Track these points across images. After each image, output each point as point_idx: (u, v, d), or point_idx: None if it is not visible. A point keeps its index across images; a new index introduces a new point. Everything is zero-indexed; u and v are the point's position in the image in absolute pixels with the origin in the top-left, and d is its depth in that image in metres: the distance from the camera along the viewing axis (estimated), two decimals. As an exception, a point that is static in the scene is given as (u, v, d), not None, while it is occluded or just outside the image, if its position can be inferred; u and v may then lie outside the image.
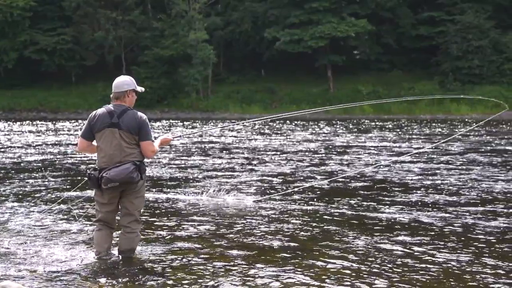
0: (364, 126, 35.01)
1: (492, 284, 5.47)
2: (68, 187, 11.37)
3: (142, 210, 6.30)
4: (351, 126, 34.75)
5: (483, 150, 18.76)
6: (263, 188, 11.02)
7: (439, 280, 5.56)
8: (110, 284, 5.48)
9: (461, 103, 52.03)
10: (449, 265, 6.03)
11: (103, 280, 5.56)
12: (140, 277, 5.68)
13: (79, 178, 12.73)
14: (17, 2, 57.40)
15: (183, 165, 15.04)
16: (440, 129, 31.45)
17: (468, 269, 5.88)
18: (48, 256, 6.38)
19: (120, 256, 6.17)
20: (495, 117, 22.21)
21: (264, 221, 8.17)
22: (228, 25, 60.93)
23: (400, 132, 28.46)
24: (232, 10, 61.82)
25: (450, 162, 15.36)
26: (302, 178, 12.48)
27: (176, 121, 43.19)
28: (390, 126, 34.89)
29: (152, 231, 7.54)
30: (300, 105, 55.07)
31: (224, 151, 18.82)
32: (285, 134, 27.55)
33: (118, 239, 6.31)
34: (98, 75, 58.04)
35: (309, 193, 10.45)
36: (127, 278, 5.61)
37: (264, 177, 12.50)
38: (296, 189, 10.52)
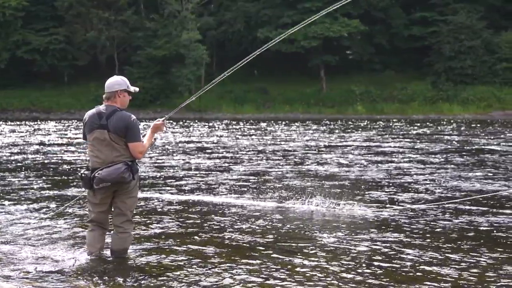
0: (409, 130, 35.02)
1: (456, 279, 5.60)
2: (50, 186, 11.34)
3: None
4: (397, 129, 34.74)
5: (461, 150, 18.96)
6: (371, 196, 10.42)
7: (405, 277, 5.65)
8: (103, 284, 5.47)
9: (453, 103, 52.20)
10: (415, 261, 6.15)
11: (95, 280, 5.55)
12: (132, 277, 5.68)
13: (65, 178, 12.72)
14: (10, 2, 57.14)
15: (193, 167, 15.04)
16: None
17: (433, 265, 6.01)
18: (40, 256, 6.36)
19: (113, 256, 6.16)
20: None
21: (238, 219, 8.27)
22: (221, 25, 60.92)
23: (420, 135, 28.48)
24: (225, 10, 61.82)
25: (425, 161, 15.61)
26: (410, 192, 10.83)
27: (169, 121, 43.12)
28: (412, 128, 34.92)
29: (144, 231, 7.54)
30: (293, 105, 55.15)
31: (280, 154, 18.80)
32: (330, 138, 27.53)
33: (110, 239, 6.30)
34: (90, 75, 57.86)
35: (282, 190, 10.54)
36: (120, 278, 5.60)
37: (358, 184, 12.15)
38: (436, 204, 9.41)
